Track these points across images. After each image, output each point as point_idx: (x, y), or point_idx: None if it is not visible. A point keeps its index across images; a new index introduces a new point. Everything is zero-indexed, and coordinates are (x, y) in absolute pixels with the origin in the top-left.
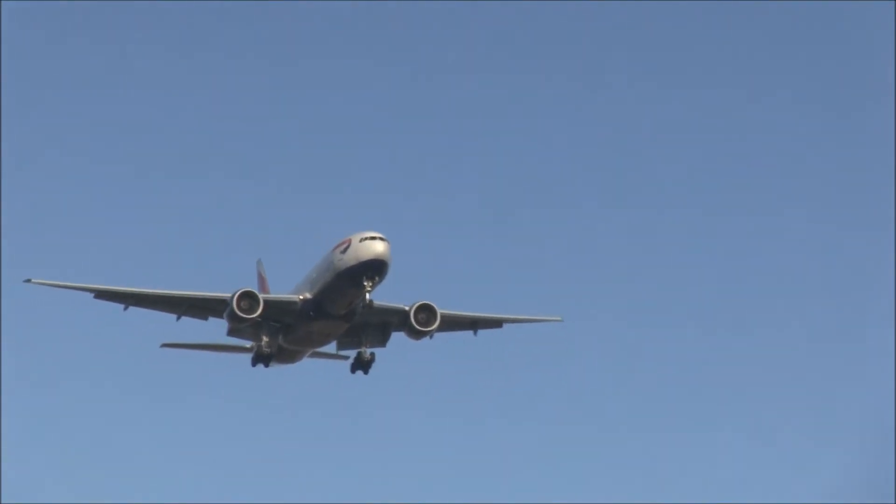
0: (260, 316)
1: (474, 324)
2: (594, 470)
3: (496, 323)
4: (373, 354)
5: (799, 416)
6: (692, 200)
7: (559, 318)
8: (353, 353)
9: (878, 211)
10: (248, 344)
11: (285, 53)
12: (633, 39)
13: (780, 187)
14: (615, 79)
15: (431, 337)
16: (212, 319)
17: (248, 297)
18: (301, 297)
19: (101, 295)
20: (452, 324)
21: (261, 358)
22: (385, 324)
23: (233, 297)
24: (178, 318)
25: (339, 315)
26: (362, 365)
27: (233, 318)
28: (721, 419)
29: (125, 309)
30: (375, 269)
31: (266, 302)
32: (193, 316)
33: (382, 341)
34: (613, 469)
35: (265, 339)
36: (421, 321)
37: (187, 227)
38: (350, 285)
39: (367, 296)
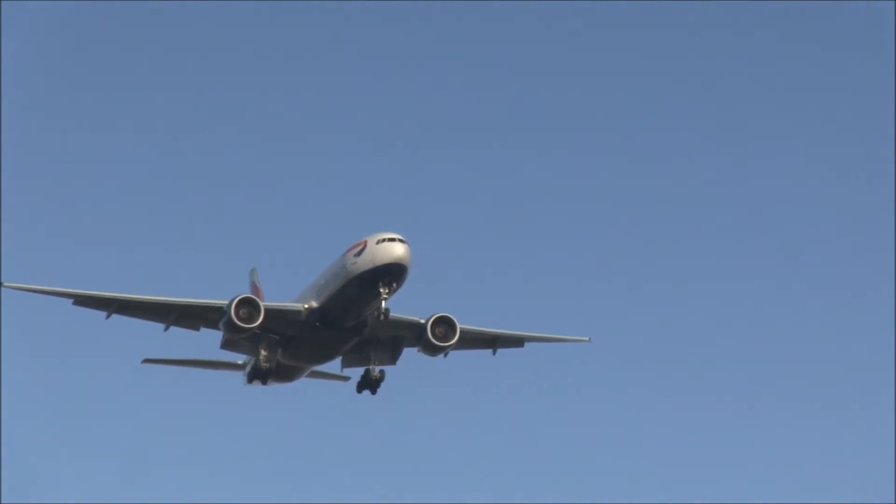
0: (260, 326)
1: (494, 341)
2: (621, 497)
3: (518, 341)
4: (382, 372)
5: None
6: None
7: (587, 339)
8: (356, 373)
9: (878, 211)
10: (240, 360)
11: (288, 54)
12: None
13: (781, 188)
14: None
15: (447, 354)
16: (203, 330)
17: (248, 305)
18: (306, 307)
19: (82, 301)
20: (471, 341)
21: (258, 374)
22: (397, 338)
23: (230, 304)
24: (167, 329)
25: (348, 327)
26: (370, 384)
27: (230, 327)
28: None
29: (107, 317)
30: (394, 274)
31: (267, 310)
32: (184, 326)
33: (392, 358)
34: (641, 496)
35: (263, 353)
36: (438, 335)
37: (175, 231)
38: (364, 292)
39: (384, 304)
